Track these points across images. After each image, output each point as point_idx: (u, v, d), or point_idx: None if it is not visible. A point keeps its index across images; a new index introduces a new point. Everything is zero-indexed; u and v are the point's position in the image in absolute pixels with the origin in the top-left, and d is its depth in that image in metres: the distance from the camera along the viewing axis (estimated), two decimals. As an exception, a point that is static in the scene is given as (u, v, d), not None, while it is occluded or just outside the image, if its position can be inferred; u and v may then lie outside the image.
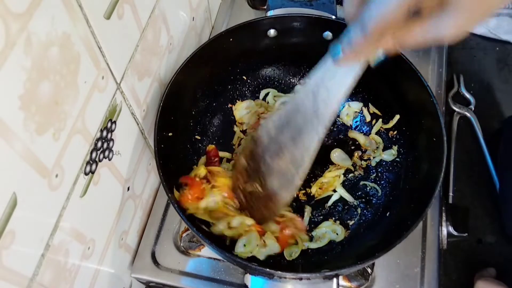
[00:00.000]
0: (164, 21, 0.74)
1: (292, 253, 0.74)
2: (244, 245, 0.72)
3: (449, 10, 0.43)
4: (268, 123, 0.67)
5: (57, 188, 0.51)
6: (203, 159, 0.84)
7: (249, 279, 0.70)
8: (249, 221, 0.72)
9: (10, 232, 0.43)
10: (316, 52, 0.88)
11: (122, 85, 0.63)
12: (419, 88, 0.74)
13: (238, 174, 0.72)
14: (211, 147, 0.84)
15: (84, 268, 0.61)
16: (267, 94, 0.92)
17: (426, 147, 0.76)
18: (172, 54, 0.82)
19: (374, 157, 0.85)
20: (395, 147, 0.84)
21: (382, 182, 0.83)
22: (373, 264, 0.77)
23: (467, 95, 1.10)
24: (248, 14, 1.07)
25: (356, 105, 0.89)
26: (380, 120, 0.86)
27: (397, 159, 0.83)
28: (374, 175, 0.84)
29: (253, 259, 0.72)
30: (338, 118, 0.90)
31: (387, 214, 0.77)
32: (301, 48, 0.89)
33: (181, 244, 0.82)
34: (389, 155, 0.84)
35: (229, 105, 0.91)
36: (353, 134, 0.87)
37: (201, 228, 0.72)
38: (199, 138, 0.86)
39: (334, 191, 0.83)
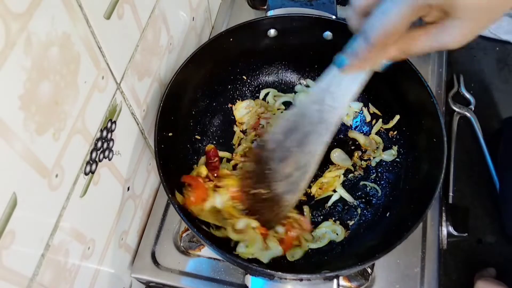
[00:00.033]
0: (164, 21, 0.74)
1: (294, 255, 0.74)
2: (247, 246, 0.72)
3: (454, 20, 0.43)
4: (275, 129, 0.67)
5: (57, 188, 0.51)
6: (203, 159, 0.84)
7: (249, 279, 0.70)
8: (254, 223, 0.72)
9: (10, 232, 0.43)
10: (316, 52, 0.89)
11: (122, 85, 0.63)
12: (419, 88, 0.74)
13: (244, 178, 0.72)
14: (210, 147, 0.84)
15: (84, 268, 0.61)
16: (267, 94, 0.92)
17: (426, 147, 0.76)
18: (172, 54, 0.82)
19: (374, 157, 0.85)
20: (395, 147, 0.84)
21: (382, 182, 0.83)
22: (373, 264, 0.77)
23: (467, 95, 1.10)
24: (248, 14, 1.07)
25: (356, 105, 0.89)
26: (380, 120, 0.86)
27: (397, 159, 0.83)
28: (374, 175, 0.84)
29: (253, 259, 0.72)
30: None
31: (387, 215, 0.77)
32: (301, 48, 0.89)
33: (181, 244, 0.81)
34: (389, 155, 0.84)
35: (229, 105, 0.91)
36: (353, 134, 0.87)
37: (201, 228, 0.72)
38: (199, 138, 0.86)
39: (334, 191, 0.83)
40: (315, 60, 0.91)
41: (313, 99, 0.61)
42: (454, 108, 1.08)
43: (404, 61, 0.76)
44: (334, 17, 0.87)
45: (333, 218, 0.80)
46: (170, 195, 0.67)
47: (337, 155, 0.85)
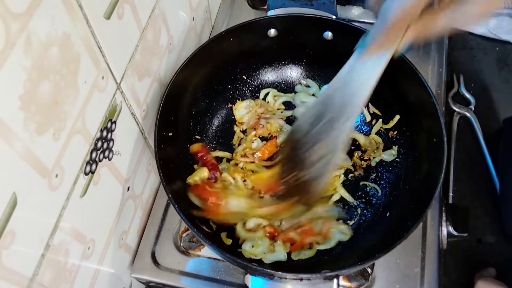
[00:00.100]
0: (164, 21, 0.74)
1: (300, 255, 0.74)
2: (252, 246, 0.72)
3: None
4: (304, 116, 0.69)
5: (57, 188, 0.51)
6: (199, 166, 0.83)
7: (249, 279, 0.70)
8: (265, 222, 0.74)
9: (10, 232, 0.43)
10: (316, 52, 0.89)
11: (122, 85, 0.63)
12: (419, 88, 0.74)
13: (281, 164, 0.74)
14: (194, 147, 0.82)
15: (84, 268, 0.61)
16: (267, 94, 0.92)
17: (426, 148, 0.76)
18: (172, 54, 0.82)
19: (374, 157, 0.85)
20: (395, 147, 0.83)
21: (382, 182, 0.83)
22: (373, 264, 0.77)
23: (467, 95, 1.09)
24: (248, 14, 1.07)
25: (356, 105, 0.89)
26: (380, 120, 0.86)
27: (397, 159, 0.83)
28: (374, 175, 0.84)
29: (253, 259, 0.72)
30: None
31: (387, 215, 0.77)
32: (301, 48, 0.89)
33: (181, 244, 0.81)
34: (389, 155, 0.84)
35: (229, 105, 0.91)
36: (353, 134, 0.87)
37: (201, 228, 0.72)
38: (199, 138, 0.86)
39: (334, 191, 0.83)
40: (315, 60, 0.91)
41: (337, 85, 0.62)
42: (454, 108, 1.07)
43: (404, 61, 0.76)
44: (334, 17, 0.87)
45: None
46: (170, 196, 0.67)
47: (337, 155, 0.85)
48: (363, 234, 0.77)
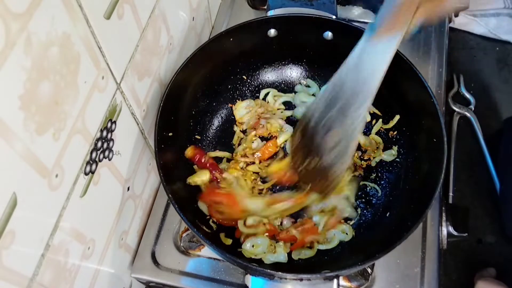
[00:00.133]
0: (164, 21, 0.74)
1: (301, 254, 0.74)
2: (253, 246, 0.72)
3: None
4: (316, 103, 0.69)
5: (57, 188, 0.51)
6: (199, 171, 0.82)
7: (249, 279, 0.70)
8: (265, 220, 0.75)
9: (10, 232, 0.43)
10: (316, 52, 0.89)
11: (122, 85, 0.63)
12: (419, 88, 0.74)
13: (295, 152, 0.74)
14: (188, 153, 0.81)
15: (84, 268, 0.61)
16: (267, 94, 0.92)
17: (426, 148, 0.76)
18: (172, 54, 0.82)
19: (374, 157, 0.85)
20: (395, 147, 0.83)
21: (382, 182, 0.83)
22: (373, 264, 0.77)
23: (467, 95, 1.09)
24: (248, 14, 1.07)
25: (356, 105, 0.89)
26: (380, 120, 0.86)
27: (397, 159, 0.83)
28: (374, 175, 0.84)
29: (253, 259, 0.72)
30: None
31: (387, 215, 0.77)
32: (301, 48, 0.89)
33: (181, 244, 0.81)
34: (389, 155, 0.84)
35: (229, 105, 0.91)
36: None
37: (201, 228, 0.72)
38: (199, 138, 0.86)
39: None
40: (315, 60, 0.91)
41: (348, 70, 0.62)
42: (454, 108, 1.07)
43: (404, 61, 0.76)
44: (334, 17, 0.87)
45: (334, 218, 0.80)
46: (170, 196, 0.67)
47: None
48: (363, 234, 0.77)
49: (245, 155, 0.85)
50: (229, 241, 0.74)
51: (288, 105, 0.92)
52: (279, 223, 0.78)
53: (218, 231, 0.76)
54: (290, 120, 0.89)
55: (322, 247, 0.76)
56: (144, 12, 0.66)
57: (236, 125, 0.90)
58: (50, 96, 0.46)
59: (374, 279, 0.76)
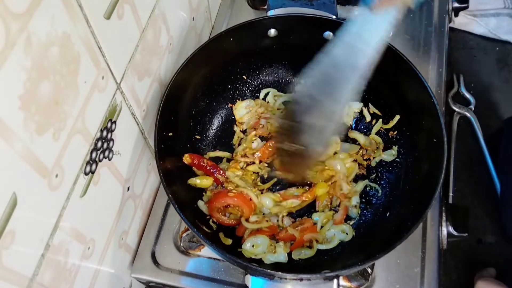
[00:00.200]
0: (164, 21, 0.74)
1: (301, 254, 0.74)
2: (253, 246, 0.72)
3: None
4: (304, 80, 0.66)
5: (57, 188, 0.51)
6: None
7: (249, 279, 0.70)
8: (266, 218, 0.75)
9: (10, 232, 0.43)
10: (316, 52, 0.89)
11: (122, 85, 0.63)
12: (419, 88, 0.74)
13: (277, 134, 0.74)
14: (185, 160, 0.80)
15: (84, 268, 0.61)
16: (267, 94, 0.92)
17: (426, 148, 0.76)
18: (172, 54, 0.82)
19: (374, 157, 0.84)
20: (395, 148, 0.83)
21: (382, 182, 0.83)
22: (373, 264, 0.77)
23: (467, 95, 1.10)
24: (248, 14, 1.07)
25: (356, 105, 0.89)
26: (380, 120, 0.86)
27: (397, 159, 0.83)
28: (374, 175, 0.84)
29: (253, 259, 0.72)
30: (338, 118, 0.90)
31: (387, 215, 0.77)
32: (301, 48, 0.89)
33: (181, 244, 0.81)
34: (389, 155, 0.84)
35: (229, 105, 0.91)
36: (353, 134, 0.87)
37: (201, 228, 0.72)
38: (199, 138, 0.86)
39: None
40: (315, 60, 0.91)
41: (343, 44, 0.60)
42: (454, 108, 1.08)
43: (404, 61, 0.76)
44: (334, 17, 0.87)
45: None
46: (170, 196, 0.67)
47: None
48: (363, 234, 0.77)
49: (245, 155, 0.85)
50: (229, 241, 0.74)
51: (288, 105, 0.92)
52: (281, 221, 0.78)
53: (218, 231, 0.76)
54: (290, 120, 0.89)
55: (322, 247, 0.76)
56: (144, 12, 0.66)
57: (236, 125, 0.90)
58: (50, 96, 0.46)
59: (374, 279, 0.76)
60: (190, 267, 0.79)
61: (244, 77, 0.92)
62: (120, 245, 0.74)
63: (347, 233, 0.77)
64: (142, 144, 0.76)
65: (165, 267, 0.79)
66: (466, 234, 0.80)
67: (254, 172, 0.83)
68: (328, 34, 0.84)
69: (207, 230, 0.74)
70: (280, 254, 0.72)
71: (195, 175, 0.81)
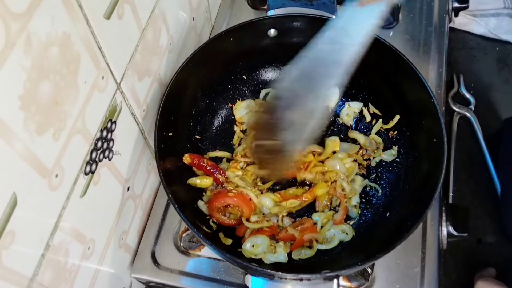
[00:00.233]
0: (164, 21, 0.74)
1: (301, 254, 0.74)
2: (253, 246, 0.72)
3: None
4: (286, 76, 0.65)
5: (57, 188, 0.51)
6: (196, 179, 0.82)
7: (249, 279, 0.70)
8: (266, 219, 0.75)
9: (10, 232, 0.43)
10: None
11: (122, 85, 0.63)
12: (419, 88, 0.74)
13: (252, 130, 0.72)
14: (185, 160, 0.80)
15: (84, 268, 0.61)
16: (267, 94, 0.92)
17: (426, 148, 0.76)
18: (172, 54, 0.82)
19: (374, 157, 0.85)
20: (395, 147, 0.83)
21: (382, 182, 0.83)
22: (373, 264, 0.77)
23: (467, 95, 1.10)
24: (248, 14, 1.07)
25: (356, 105, 0.89)
26: (380, 120, 0.86)
27: (397, 159, 0.83)
28: (374, 175, 0.84)
29: (253, 259, 0.72)
30: (338, 118, 0.90)
31: (387, 215, 0.77)
32: (301, 48, 0.89)
33: (181, 244, 0.81)
34: (389, 155, 0.84)
35: (229, 105, 0.91)
36: (353, 134, 0.87)
37: (201, 228, 0.72)
38: (199, 138, 0.86)
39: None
40: (315, 60, 0.91)
41: (327, 39, 0.59)
42: (454, 108, 1.08)
43: (404, 61, 0.76)
44: (334, 17, 0.87)
45: (333, 218, 0.80)
46: (170, 196, 0.67)
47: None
48: (363, 234, 0.77)
49: (245, 155, 0.85)
50: (229, 241, 0.74)
51: (288, 105, 0.92)
52: (281, 221, 0.78)
53: (218, 231, 0.76)
54: (290, 120, 0.89)
55: (322, 247, 0.76)
56: (144, 12, 0.66)
57: (236, 125, 0.90)
58: (50, 96, 0.46)
59: (374, 279, 0.76)
60: (190, 267, 0.79)
61: (244, 77, 0.92)
62: (120, 245, 0.74)
63: (347, 233, 0.77)
64: (142, 144, 0.76)
65: (165, 267, 0.79)
66: (466, 234, 0.80)
67: (254, 172, 0.83)
68: (328, 34, 0.84)
69: (207, 230, 0.74)
70: (280, 254, 0.73)
71: (195, 175, 0.81)
